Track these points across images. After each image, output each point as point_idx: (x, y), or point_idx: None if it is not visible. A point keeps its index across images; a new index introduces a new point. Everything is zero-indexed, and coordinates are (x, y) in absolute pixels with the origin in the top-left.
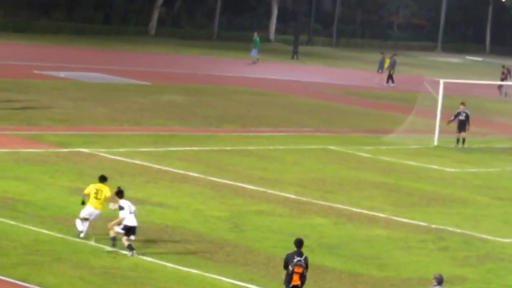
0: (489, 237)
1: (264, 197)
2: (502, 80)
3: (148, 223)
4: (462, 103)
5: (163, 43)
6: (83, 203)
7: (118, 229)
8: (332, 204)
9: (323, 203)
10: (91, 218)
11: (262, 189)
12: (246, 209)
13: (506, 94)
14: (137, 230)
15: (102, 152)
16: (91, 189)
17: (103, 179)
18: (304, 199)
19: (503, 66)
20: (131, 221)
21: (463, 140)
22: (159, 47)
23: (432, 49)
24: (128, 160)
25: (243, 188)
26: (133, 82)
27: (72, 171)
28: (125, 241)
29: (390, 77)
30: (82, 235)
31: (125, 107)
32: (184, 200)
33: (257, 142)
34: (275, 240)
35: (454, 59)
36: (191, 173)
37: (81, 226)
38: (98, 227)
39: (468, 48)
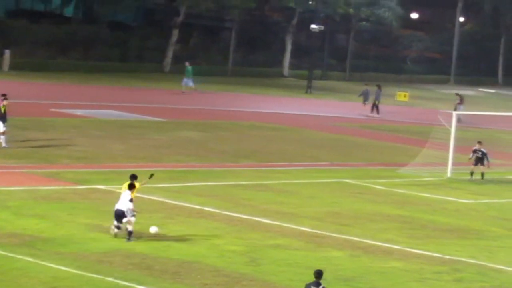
0: (504, 268)
1: (280, 231)
2: (457, 105)
3: (165, 259)
4: (479, 142)
5: (178, 80)
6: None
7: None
8: (347, 237)
9: (338, 236)
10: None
11: (278, 223)
12: (262, 243)
13: (459, 120)
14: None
15: (118, 189)
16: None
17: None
18: (320, 232)
19: (457, 94)
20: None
21: (482, 175)
22: (174, 83)
23: (445, 82)
24: (145, 196)
25: (259, 222)
26: (149, 119)
27: (89, 208)
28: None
29: (374, 107)
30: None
31: (141, 143)
32: (200, 235)
33: (273, 176)
34: (291, 274)
35: (467, 91)
36: (207, 208)
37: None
38: (117, 263)
39: (481, 81)
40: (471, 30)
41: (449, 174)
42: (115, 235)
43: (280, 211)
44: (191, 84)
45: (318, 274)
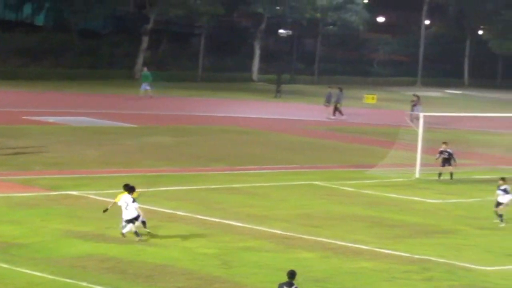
0: (472, 266)
1: (252, 234)
2: (413, 107)
3: (139, 262)
4: (444, 143)
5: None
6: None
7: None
8: (317, 238)
9: (309, 237)
10: None
11: (249, 226)
12: (234, 246)
13: (413, 120)
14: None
15: (91, 194)
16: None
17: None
18: (290, 234)
19: (414, 95)
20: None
21: (451, 175)
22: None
23: (412, 84)
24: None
25: (230, 225)
26: (120, 125)
27: (63, 213)
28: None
29: (336, 110)
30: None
31: (113, 149)
32: (173, 238)
33: (244, 179)
34: (263, 276)
35: (434, 93)
36: (179, 212)
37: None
38: (90, 268)
39: (447, 82)
40: (436, 33)
41: (417, 175)
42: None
43: (251, 214)
44: (147, 88)
45: (291, 274)
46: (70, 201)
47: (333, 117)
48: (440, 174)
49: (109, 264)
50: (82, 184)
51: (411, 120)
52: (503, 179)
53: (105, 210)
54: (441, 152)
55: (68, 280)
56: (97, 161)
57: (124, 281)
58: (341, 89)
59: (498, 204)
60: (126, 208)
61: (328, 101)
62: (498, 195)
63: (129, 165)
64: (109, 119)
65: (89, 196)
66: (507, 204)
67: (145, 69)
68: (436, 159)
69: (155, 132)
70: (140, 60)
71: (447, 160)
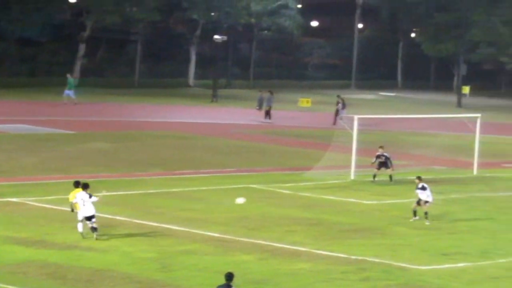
0: (408, 266)
1: (190, 237)
2: (338, 109)
3: (78, 268)
4: (381, 147)
5: (86, 93)
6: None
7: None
8: (255, 241)
9: (246, 240)
10: None
11: (187, 230)
12: (173, 250)
13: (341, 118)
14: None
15: (31, 201)
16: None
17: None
18: (228, 237)
19: (338, 96)
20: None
21: (391, 177)
22: (82, 96)
23: (346, 87)
24: (56, 207)
25: (169, 229)
26: (59, 132)
27: (3, 220)
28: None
29: (267, 113)
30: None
31: (52, 156)
32: (112, 243)
33: (181, 184)
34: (202, 278)
35: (368, 95)
36: (118, 217)
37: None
38: (31, 274)
39: (381, 85)
40: (370, 36)
41: (352, 177)
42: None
43: (189, 218)
44: (71, 95)
45: (229, 276)
46: (10, 208)
47: (264, 121)
48: (374, 176)
49: (49, 270)
50: (21, 191)
51: (336, 123)
52: (419, 178)
53: (72, 211)
54: (378, 156)
55: (9, 287)
56: (37, 168)
57: (64, 287)
58: (271, 93)
59: (419, 202)
60: (83, 205)
61: (259, 105)
62: (417, 194)
63: (68, 171)
64: (47, 126)
65: (29, 202)
66: (431, 203)
67: (69, 75)
68: (372, 163)
69: (93, 138)
70: (77, 68)
71: (384, 163)
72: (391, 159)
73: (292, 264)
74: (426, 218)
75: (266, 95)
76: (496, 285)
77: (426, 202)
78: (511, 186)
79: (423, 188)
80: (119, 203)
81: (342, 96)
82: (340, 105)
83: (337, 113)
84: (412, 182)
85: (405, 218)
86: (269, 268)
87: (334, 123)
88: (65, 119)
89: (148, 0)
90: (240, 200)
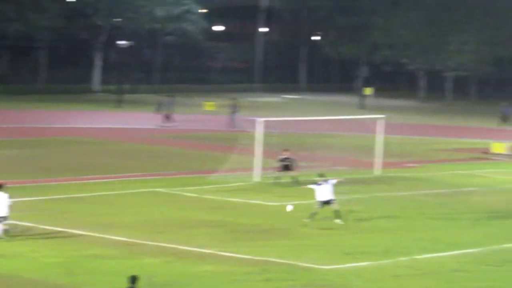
0: (311, 266)
1: (96, 242)
2: (233, 111)
3: None
4: (286, 150)
5: None
6: None
7: None
8: (160, 244)
9: (152, 243)
10: None
11: (94, 234)
12: (79, 254)
13: (234, 125)
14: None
15: None
16: None
17: None
18: (134, 240)
19: (232, 99)
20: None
21: (296, 179)
22: None
23: (250, 90)
24: None
25: (75, 234)
26: None
27: None
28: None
29: (167, 117)
30: None
31: None
32: (18, 249)
33: (88, 189)
34: (107, 282)
35: (271, 98)
36: (23, 223)
37: None
38: None
39: (284, 87)
40: (273, 39)
41: (256, 179)
42: None
43: (95, 222)
44: None
45: (132, 279)
46: None
47: (165, 125)
48: (278, 178)
49: None
50: None
51: (233, 125)
52: (321, 175)
53: None
54: (283, 160)
55: None
56: None
57: None
58: (172, 96)
59: (325, 202)
60: None
61: (158, 109)
62: (324, 191)
63: None
64: None
65: None
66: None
67: None
68: (277, 166)
69: None
70: None
71: (288, 166)
72: (296, 162)
73: (196, 267)
74: (337, 217)
75: (166, 99)
76: (397, 283)
77: (328, 202)
78: (413, 185)
79: (326, 182)
80: (24, 209)
81: (237, 99)
82: (234, 108)
83: (232, 115)
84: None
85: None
86: (174, 271)
87: (232, 126)
88: None
89: (51, 7)
90: (289, 208)
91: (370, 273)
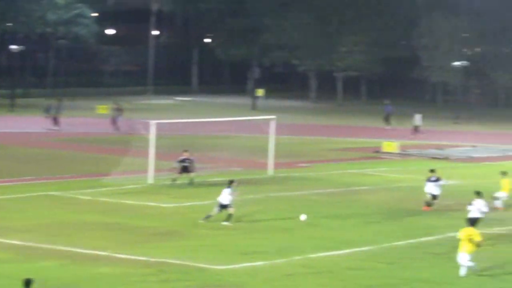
0: (207, 266)
1: None
2: (116, 114)
3: None
4: (185, 151)
5: None
6: None
7: None
8: (56, 247)
9: (47, 246)
10: None
11: None
12: None
13: (118, 128)
14: None
15: None
16: None
17: None
18: (29, 244)
19: (115, 102)
20: None
21: (191, 180)
22: None
23: (143, 93)
24: None
25: None
26: None
27: None
28: None
29: (55, 120)
30: None
31: None
32: None
33: None
34: (2, 286)
35: (165, 101)
36: None
37: None
38: None
39: (177, 90)
40: (165, 42)
41: (151, 181)
42: None
43: None
44: None
45: (27, 283)
46: None
47: (53, 128)
48: (175, 179)
49: None
50: None
51: (117, 129)
52: (231, 182)
53: None
54: (182, 161)
55: None
56: None
57: None
58: (60, 100)
59: (223, 206)
60: None
61: (47, 112)
62: (223, 193)
63: None
64: None
65: None
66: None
67: None
68: (175, 167)
69: None
70: None
71: (187, 168)
72: (195, 163)
73: (92, 269)
74: (227, 219)
75: (55, 102)
76: (292, 282)
77: (224, 206)
78: (306, 185)
79: (229, 190)
80: None
81: (120, 102)
82: (117, 111)
83: (114, 119)
84: (210, 184)
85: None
86: (70, 274)
87: (116, 129)
88: None
89: None
90: (303, 217)
91: (265, 272)
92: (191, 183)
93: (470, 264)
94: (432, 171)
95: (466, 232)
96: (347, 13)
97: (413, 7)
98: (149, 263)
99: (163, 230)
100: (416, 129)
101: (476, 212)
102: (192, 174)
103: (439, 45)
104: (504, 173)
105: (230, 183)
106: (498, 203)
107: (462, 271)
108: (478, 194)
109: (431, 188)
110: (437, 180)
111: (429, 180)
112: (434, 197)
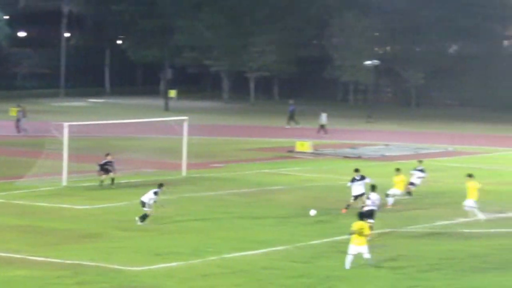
0: (123, 268)
1: None
2: (20, 116)
3: None
4: (107, 154)
5: None
6: None
7: None
8: None
9: None
10: None
11: None
12: None
13: (25, 130)
14: None
15: None
16: None
17: None
18: None
19: (19, 105)
20: None
21: (112, 180)
22: None
23: (56, 95)
24: None
25: None
26: None
27: None
28: None
29: None
30: None
31: None
32: None
33: None
34: None
35: (77, 103)
36: None
37: None
38: None
39: (90, 92)
40: (77, 44)
41: (65, 183)
42: None
43: None
44: None
45: None
46: None
47: None
48: (102, 182)
49: None
50: None
51: (20, 131)
52: (161, 185)
53: None
54: (105, 164)
55: None
56: None
57: None
58: None
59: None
60: None
61: None
62: (145, 194)
63: None
64: None
65: None
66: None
67: None
68: (98, 170)
69: None
70: None
71: (107, 169)
72: (115, 165)
73: (6, 272)
74: (143, 220)
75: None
76: (208, 282)
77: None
78: (219, 185)
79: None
80: None
81: (22, 105)
82: (20, 113)
83: (18, 121)
84: (123, 186)
85: (118, 221)
86: None
87: (19, 131)
88: None
89: None
90: (312, 212)
91: (181, 273)
92: (112, 183)
93: (367, 256)
94: (356, 170)
95: (357, 226)
96: (259, 13)
97: (324, 7)
98: (64, 265)
99: (77, 232)
100: (322, 128)
101: (371, 206)
102: (111, 174)
103: (350, 45)
104: (398, 170)
105: (159, 186)
106: (390, 200)
107: (347, 264)
108: (373, 188)
109: (357, 189)
110: (362, 178)
111: (354, 180)
112: (358, 196)
